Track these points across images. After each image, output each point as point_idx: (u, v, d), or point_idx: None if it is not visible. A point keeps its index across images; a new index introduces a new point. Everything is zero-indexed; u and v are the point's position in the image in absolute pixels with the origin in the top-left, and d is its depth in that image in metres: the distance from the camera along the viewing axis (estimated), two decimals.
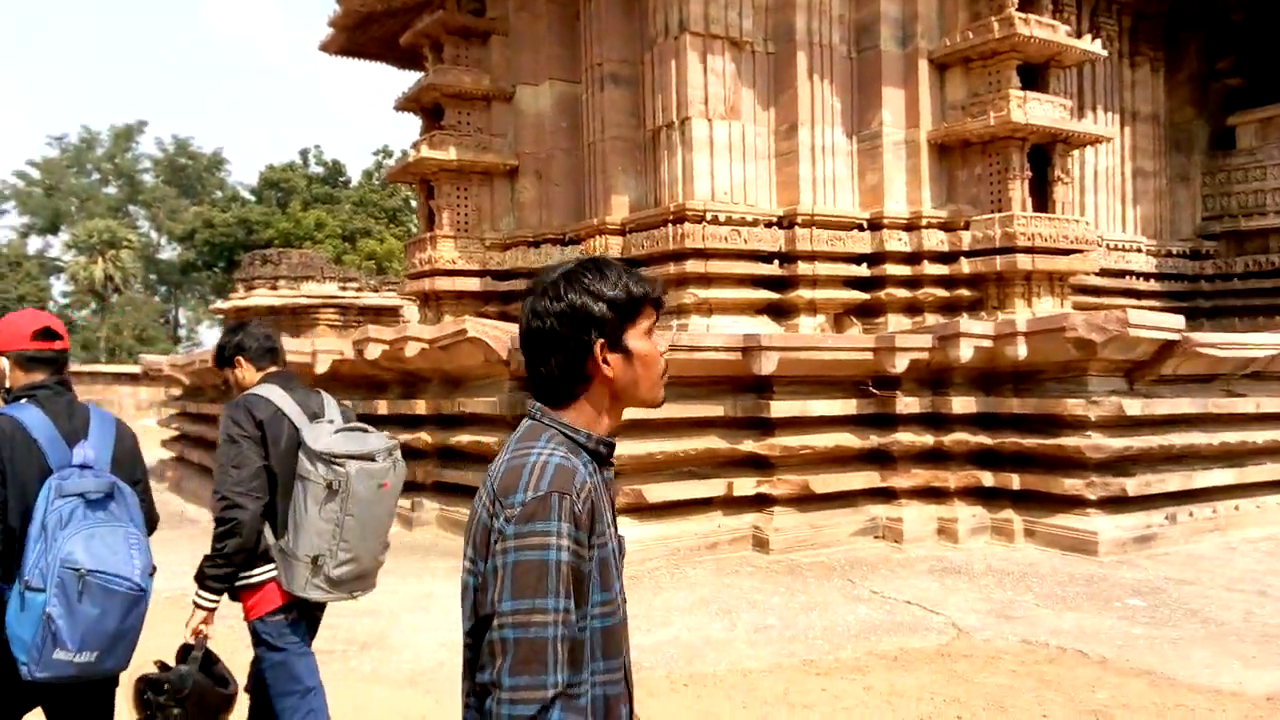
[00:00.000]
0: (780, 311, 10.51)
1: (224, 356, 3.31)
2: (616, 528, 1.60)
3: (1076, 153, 12.53)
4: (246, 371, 3.26)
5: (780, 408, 7.30)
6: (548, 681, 1.39)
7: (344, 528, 2.92)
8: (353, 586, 3.04)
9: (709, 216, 9.91)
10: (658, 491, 7.01)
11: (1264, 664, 4.77)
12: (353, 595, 3.08)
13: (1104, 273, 12.77)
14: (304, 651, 3.13)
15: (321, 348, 8.31)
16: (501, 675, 1.39)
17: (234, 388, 3.31)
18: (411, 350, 8.04)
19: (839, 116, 10.78)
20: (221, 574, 2.95)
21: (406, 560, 7.07)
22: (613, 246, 10.78)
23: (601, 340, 1.54)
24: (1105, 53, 11.45)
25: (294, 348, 8.28)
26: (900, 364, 7.41)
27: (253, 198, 48.75)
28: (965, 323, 7.57)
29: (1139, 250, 13.31)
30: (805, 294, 10.34)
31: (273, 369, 3.28)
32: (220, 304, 27.58)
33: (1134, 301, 13.07)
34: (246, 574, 3.03)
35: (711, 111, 10.19)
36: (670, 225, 10.04)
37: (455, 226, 11.92)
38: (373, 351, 8.20)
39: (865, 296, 10.64)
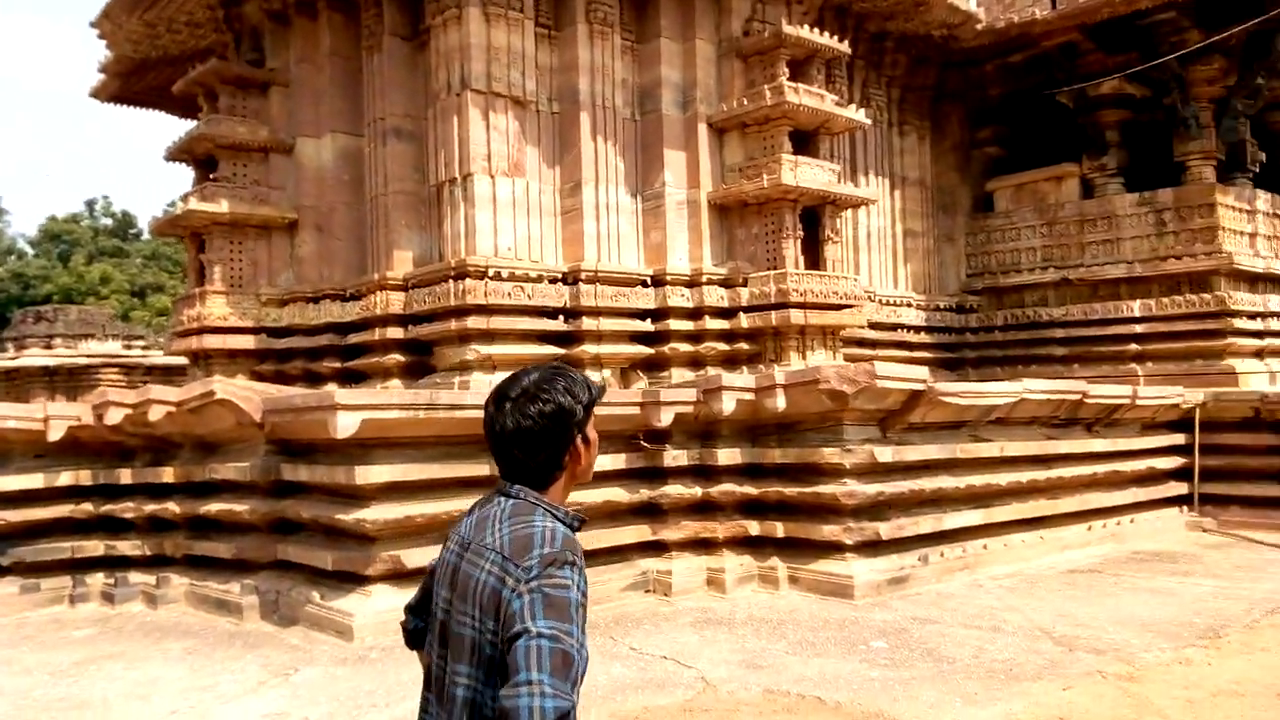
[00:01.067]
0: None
1: None
2: None
3: (850, 214, 13.27)
4: None
5: None
6: (572, 691, 1.61)
7: None
8: None
9: (491, 273, 9.84)
10: (419, 556, 6.75)
11: (983, 701, 4.98)
12: None
13: (877, 326, 13.48)
14: None
15: (55, 412, 7.63)
16: (543, 674, 1.59)
17: None
18: (157, 414, 7.50)
19: (623, 176, 11.00)
20: None
21: (140, 643, 6.50)
22: (394, 303, 10.52)
23: (580, 435, 1.92)
24: (869, 121, 12.19)
25: (22, 413, 7.58)
26: (666, 418, 7.49)
27: (31, 250, 45.22)
28: (727, 377, 7.75)
29: (909, 305, 14.13)
30: (590, 349, 10.39)
31: None
32: None
33: (905, 353, 13.83)
34: None
35: (495, 168, 10.17)
36: (452, 281, 9.89)
37: (228, 282, 11.35)
38: (114, 416, 7.60)
39: (650, 351, 10.80)
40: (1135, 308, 13.44)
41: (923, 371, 7.81)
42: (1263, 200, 13.67)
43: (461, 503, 6.99)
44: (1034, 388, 8.72)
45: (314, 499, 7.21)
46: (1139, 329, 13.38)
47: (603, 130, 10.79)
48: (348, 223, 11.47)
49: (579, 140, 10.63)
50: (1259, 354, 13.16)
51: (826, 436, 7.73)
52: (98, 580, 7.86)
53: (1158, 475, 10.76)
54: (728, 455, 7.84)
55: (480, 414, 6.41)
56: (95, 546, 7.87)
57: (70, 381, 23.59)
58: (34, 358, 23.46)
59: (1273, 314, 13.40)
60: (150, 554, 7.84)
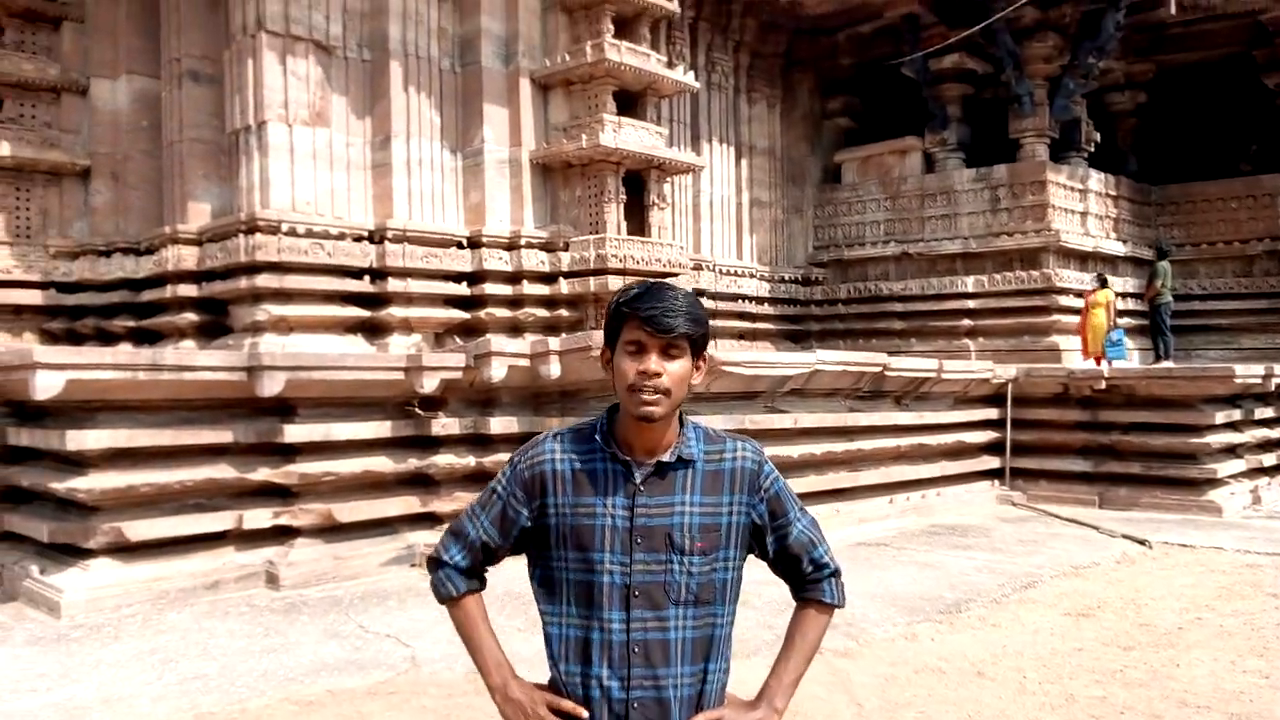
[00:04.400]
0: (374, 330, 10.06)
1: None
2: (622, 504, 1.82)
3: (691, 181, 13.06)
4: None
5: (299, 432, 6.80)
6: (451, 548, 1.95)
7: None
8: None
9: (286, 228, 9.29)
10: (145, 528, 6.28)
11: None
12: None
13: (718, 297, 13.33)
14: None
15: None
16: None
17: None
18: None
19: (440, 131, 10.51)
20: None
21: None
22: (187, 258, 9.90)
23: (605, 344, 1.88)
24: (699, 85, 11.93)
25: None
26: (430, 384, 7.13)
27: None
28: (498, 341, 7.43)
29: (752, 276, 14.00)
30: (398, 312, 9.94)
31: None
32: None
33: (746, 324, 13.76)
34: None
35: (293, 116, 9.59)
36: (244, 236, 9.32)
37: (14, 232, 10.53)
38: None
39: (466, 316, 10.40)
40: (969, 284, 13.57)
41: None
42: (1095, 180, 13.91)
43: (199, 472, 6.54)
44: (828, 359, 8.63)
45: (42, 466, 6.66)
46: (972, 305, 13.52)
47: (417, 81, 10.28)
48: (145, 171, 10.74)
49: (390, 91, 10.11)
50: None
51: (609, 402, 7.47)
52: None
53: (969, 449, 10.86)
54: (503, 424, 7.54)
55: (216, 376, 5.91)
56: None
57: None
58: None
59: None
60: None
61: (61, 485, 6.11)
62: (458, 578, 1.94)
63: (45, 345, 10.16)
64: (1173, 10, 12.86)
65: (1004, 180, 13.33)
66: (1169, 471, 10.18)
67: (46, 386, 5.76)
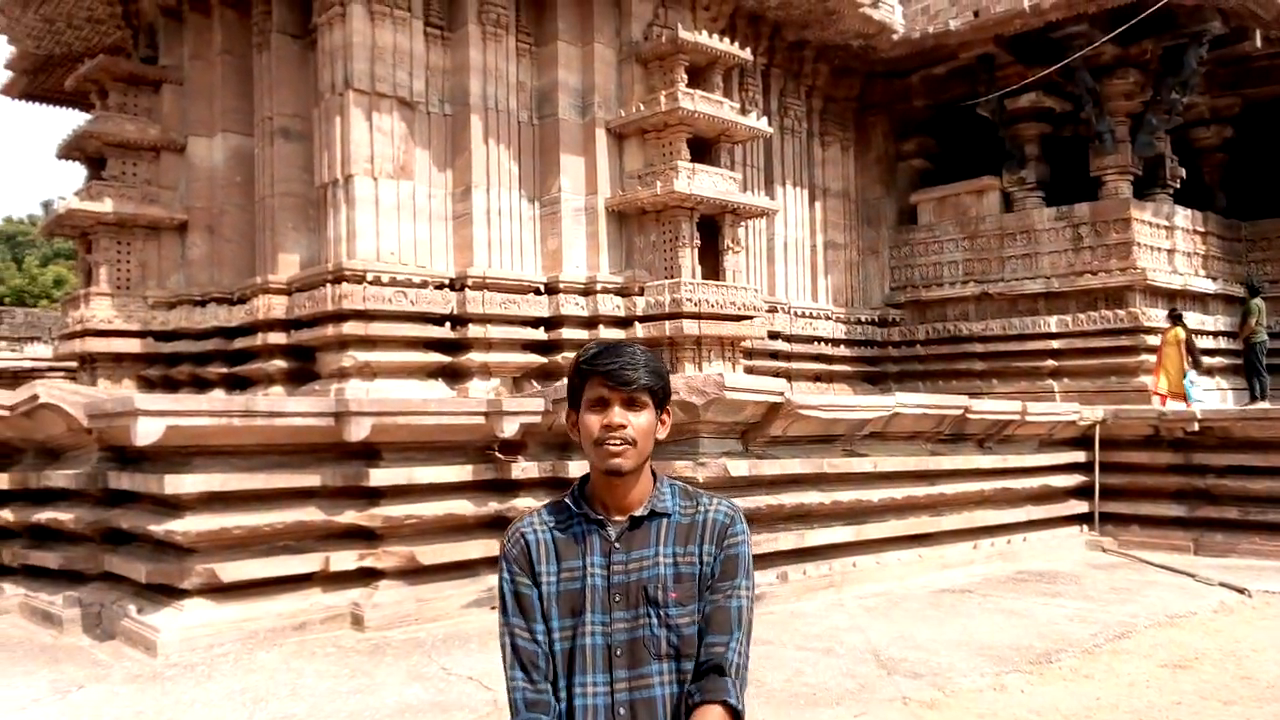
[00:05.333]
0: (454, 375, 10.27)
1: None
2: (600, 563, 1.82)
3: (764, 224, 13.10)
4: None
5: (382, 476, 6.95)
6: (517, 681, 1.80)
7: None
8: None
9: (370, 277, 9.60)
10: (236, 570, 6.47)
11: None
12: None
13: (793, 339, 13.29)
14: None
15: None
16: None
17: None
18: None
19: (518, 181, 10.77)
20: None
21: None
22: (277, 307, 10.27)
23: (569, 407, 1.88)
24: (772, 130, 12.00)
25: None
26: (510, 428, 7.24)
27: None
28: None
29: (828, 318, 13.92)
30: (478, 357, 10.15)
31: None
32: None
33: (822, 366, 13.67)
34: None
35: (378, 170, 9.93)
36: (330, 285, 9.65)
37: (116, 283, 11.07)
38: None
39: (543, 360, 10.57)
40: (1052, 323, 13.29)
41: (779, 383, 7.58)
42: (1182, 216, 13.56)
43: (288, 515, 6.72)
44: (907, 402, 8.51)
45: (140, 508, 6.92)
46: (1056, 345, 13.23)
47: (496, 134, 10.57)
48: (239, 224, 11.21)
49: (470, 143, 10.41)
50: None
51: (684, 449, 7.50)
52: None
53: (1055, 493, 10.56)
54: (581, 467, 7.58)
55: (305, 421, 6.08)
56: None
57: (15, 384, 23.06)
58: None
59: (1191, 331, 13.24)
60: None
61: (159, 527, 6.33)
62: None
63: (143, 392, 10.62)
64: (1258, 43, 12.58)
65: (1086, 218, 13.07)
66: (1268, 516, 9.75)
67: (147, 433, 6.01)
